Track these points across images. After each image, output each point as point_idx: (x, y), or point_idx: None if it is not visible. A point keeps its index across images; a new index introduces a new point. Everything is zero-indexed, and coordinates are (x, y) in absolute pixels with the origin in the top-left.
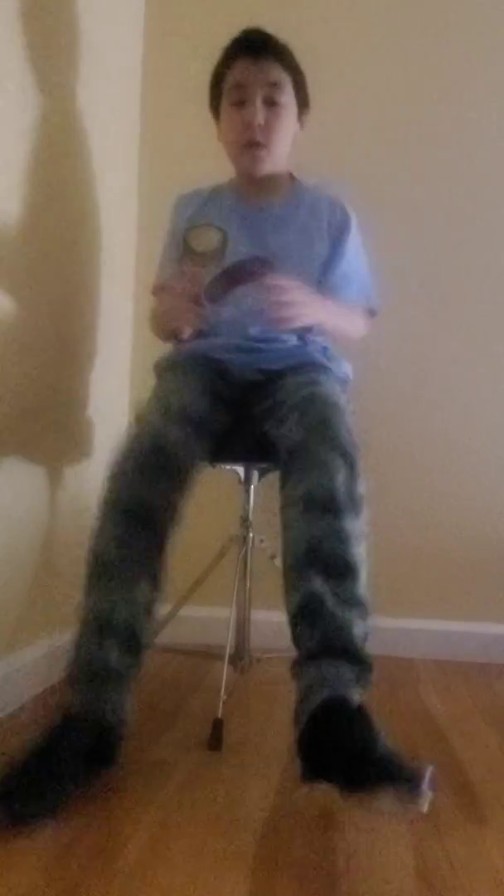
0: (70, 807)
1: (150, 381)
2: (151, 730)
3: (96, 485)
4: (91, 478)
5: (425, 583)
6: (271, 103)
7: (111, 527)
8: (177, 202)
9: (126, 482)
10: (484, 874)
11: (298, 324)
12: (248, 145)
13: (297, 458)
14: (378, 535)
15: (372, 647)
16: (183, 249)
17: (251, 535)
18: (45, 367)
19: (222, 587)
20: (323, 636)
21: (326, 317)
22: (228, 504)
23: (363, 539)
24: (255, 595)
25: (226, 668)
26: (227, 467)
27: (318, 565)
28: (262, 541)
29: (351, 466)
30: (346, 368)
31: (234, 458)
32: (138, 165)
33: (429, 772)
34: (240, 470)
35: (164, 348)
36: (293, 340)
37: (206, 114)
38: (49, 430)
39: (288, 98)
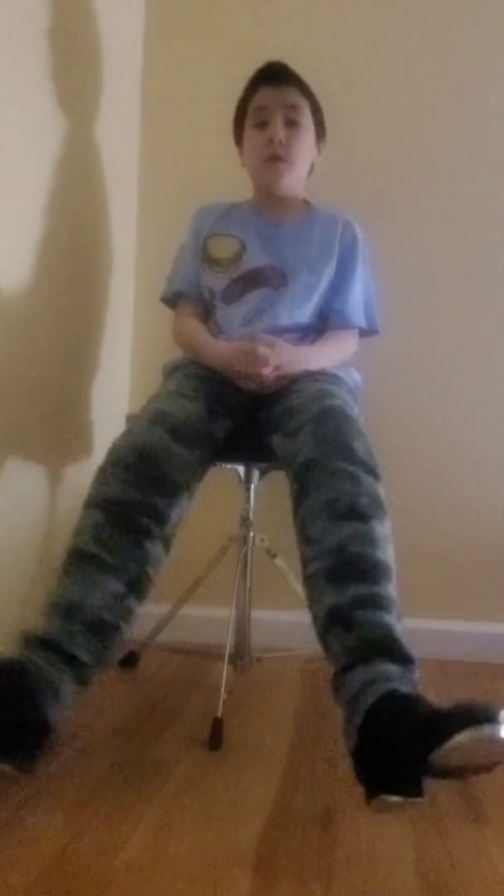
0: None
1: (151, 381)
2: (151, 729)
3: None
4: (91, 478)
5: (425, 583)
6: (292, 124)
7: (89, 522)
8: (197, 213)
9: (103, 480)
10: (484, 873)
11: (283, 382)
12: (270, 160)
13: (313, 472)
14: None
15: None
16: (202, 256)
17: (251, 534)
18: (46, 368)
19: (222, 587)
20: (364, 640)
21: (309, 365)
22: (228, 504)
23: (391, 541)
24: (256, 595)
25: (226, 668)
26: (228, 467)
27: (352, 570)
28: (262, 540)
29: (372, 475)
30: (355, 377)
31: (235, 458)
32: (138, 174)
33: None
34: (240, 469)
35: (163, 351)
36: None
37: (206, 124)
38: (50, 430)
39: (307, 121)
